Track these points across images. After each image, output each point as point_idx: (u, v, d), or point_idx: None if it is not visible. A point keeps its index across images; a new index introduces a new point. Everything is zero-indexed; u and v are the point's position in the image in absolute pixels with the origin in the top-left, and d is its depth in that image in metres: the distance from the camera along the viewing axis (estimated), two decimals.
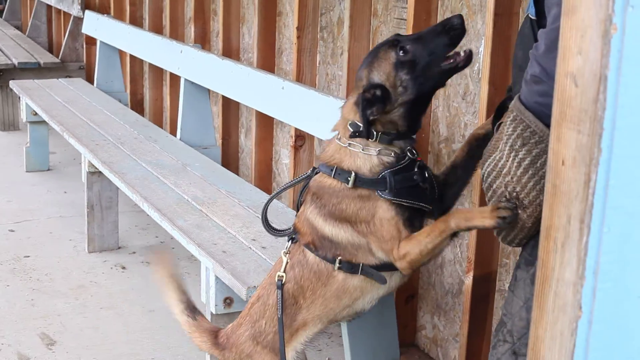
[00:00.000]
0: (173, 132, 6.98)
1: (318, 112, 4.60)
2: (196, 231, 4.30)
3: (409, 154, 2.92)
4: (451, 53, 2.85)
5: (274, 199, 3.25)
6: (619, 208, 1.59)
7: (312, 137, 5.38)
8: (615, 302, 1.63)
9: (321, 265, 2.99)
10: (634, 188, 1.60)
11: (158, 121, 7.94)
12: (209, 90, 6.34)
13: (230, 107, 6.57)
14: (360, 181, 2.86)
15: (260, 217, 3.23)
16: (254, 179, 6.07)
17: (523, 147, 2.54)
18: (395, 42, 2.84)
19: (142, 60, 8.34)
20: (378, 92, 2.80)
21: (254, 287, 3.60)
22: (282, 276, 3.03)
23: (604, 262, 1.61)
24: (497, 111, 2.82)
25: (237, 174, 6.17)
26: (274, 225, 3.21)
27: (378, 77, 2.83)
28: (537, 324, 1.75)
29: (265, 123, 5.96)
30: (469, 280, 3.95)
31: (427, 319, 4.56)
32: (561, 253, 1.67)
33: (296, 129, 5.29)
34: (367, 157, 2.87)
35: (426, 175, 2.94)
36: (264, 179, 6.08)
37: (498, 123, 2.75)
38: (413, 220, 2.92)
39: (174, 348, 4.73)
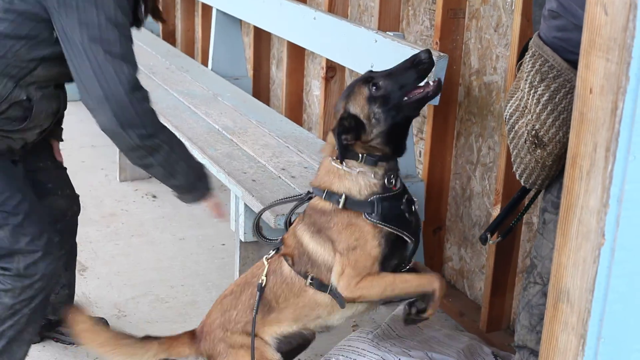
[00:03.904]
0: (205, 62, 6.98)
1: (349, 43, 4.59)
2: (226, 160, 4.33)
3: (394, 181, 3.06)
4: (422, 83, 3.04)
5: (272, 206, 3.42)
6: None
7: (343, 69, 5.37)
8: (639, 230, 1.64)
9: (295, 278, 3.12)
10: None
11: (190, 51, 7.95)
12: (240, 20, 6.33)
13: (261, 38, 6.55)
14: (350, 203, 3.02)
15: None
16: (284, 110, 6.07)
17: (542, 83, 2.53)
18: (368, 78, 3.03)
19: None
20: (352, 122, 2.99)
21: (283, 214, 3.64)
22: (264, 279, 3.14)
23: (628, 190, 1.61)
24: (521, 55, 2.81)
25: (268, 105, 6.18)
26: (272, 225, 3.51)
27: (353, 109, 3.01)
28: (560, 250, 1.76)
29: (297, 54, 5.95)
30: (496, 212, 3.95)
31: (454, 251, 4.58)
32: (586, 181, 1.67)
33: (327, 60, 5.28)
34: (354, 178, 3.03)
35: (413, 208, 3.13)
36: (295, 110, 6.08)
37: (519, 63, 2.74)
38: (390, 260, 3.07)
39: (203, 275, 4.79)
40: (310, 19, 5.00)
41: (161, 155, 3.14)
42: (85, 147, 6.64)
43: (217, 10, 6.31)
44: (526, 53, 2.67)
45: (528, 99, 2.59)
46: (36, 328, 3.53)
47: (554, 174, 2.71)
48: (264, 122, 4.98)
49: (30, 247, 3.31)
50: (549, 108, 2.54)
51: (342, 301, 3.06)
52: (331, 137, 3.08)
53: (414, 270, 3.21)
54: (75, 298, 4.09)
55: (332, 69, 5.37)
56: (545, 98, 2.54)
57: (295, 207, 3.25)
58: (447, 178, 4.52)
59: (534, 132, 2.59)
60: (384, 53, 4.25)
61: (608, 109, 1.62)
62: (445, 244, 4.65)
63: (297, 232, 3.13)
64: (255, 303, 3.12)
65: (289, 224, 3.26)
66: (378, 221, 2.98)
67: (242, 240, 3.97)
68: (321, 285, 3.07)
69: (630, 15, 1.57)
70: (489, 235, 3.14)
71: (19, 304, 3.36)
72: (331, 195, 3.04)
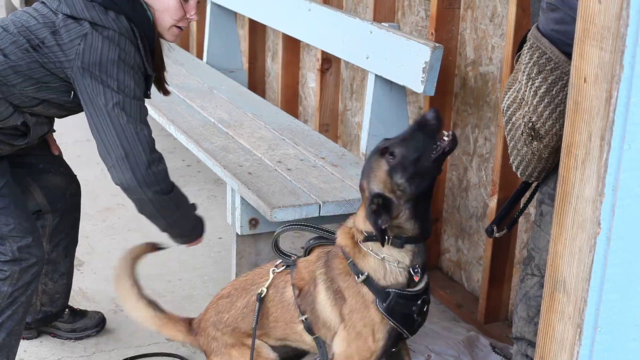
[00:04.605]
0: (200, 55, 6.97)
1: (345, 34, 4.58)
2: (222, 153, 4.32)
3: (418, 275, 3.01)
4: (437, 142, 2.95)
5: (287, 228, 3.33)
6: (639, 125, 1.59)
7: (338, 60, 5.36)
8: (634, 218, 1.64)
9: (292, 307, 3.13)
10: None
11: (185, 44, 7.94)
12: (235, 13, 6.31)
13: (256, 31, 6.54)
14: (369, 283, 2.99)
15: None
16: (280, 102, 6.06)
17: (539, 75, 2.52)
18: (383, 150, 2.94)
19: None
20: (381, 202, 2.90)
21: (280, 207, 3.63)
22: (264, 291, 3.16)
23: (623, 178, 1.61)
24: (520, 47, 2.80)
25: (264, 98, 6.17)
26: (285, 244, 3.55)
27: (376, 186, 2.93)
28: (556, 240, 1.76)
29: (292, 46, 5.93)
30: (493, 203, 3.95)
31: (451, 243, 4.58)
32: (581, 170, 1.67)
33: (323, 52, 5.27)
34: (380, 262, 2.98)
35: (425, 309, 3.08)
36: (290, 103, 6.07)
37: (517, 55, 2.74)
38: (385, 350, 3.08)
39: (200, 269, 4.78)
40: (305, 11, 4.99)
41: (167, 212, 3.40)
42: (80, 142, 6.62)
43: (212, 2, 6.29)
44: (524, 45, 2.66)
45: (525, 91, 2.58)
46: (25, 321, 3.57)
47: (550, 166, 2.70)
48: (259, 115, 4.97)
49: (19, 231, 3.41)
50: (545, 100, 2.53)
51: (324, 355, 3.10)
52: (358, 219, 3.03)
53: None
54: (72, 292, 4.09)
55: (328, 61, 5.36)
56: (542, 90, 2.53)
57: (318, 243, 3.20)
58: (444, 169, 4.51)
59: (530, 124, 2.59)
60: (380, 44, 4.25)
61: (602, 97, 1.61)
62: (443, 236, 4.64)
63: (316, 276, 3.10)
64: (256, 312, 3.14)
65: (308, 251, 3.23)
66: (385, 313, 2.96)
67: (239, 233, 3.96)
68: (310, 330, 3.09)
69: (624, 4, 1.56)
70: (495, 228, 3.13)
71: (17, 292, 3.43)
72: (354, 266, 3.01)
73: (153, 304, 3.40)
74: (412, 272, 2.98)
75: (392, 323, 2.97)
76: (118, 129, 3.21)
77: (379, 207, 2.89)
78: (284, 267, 3.19)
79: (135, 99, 3.25)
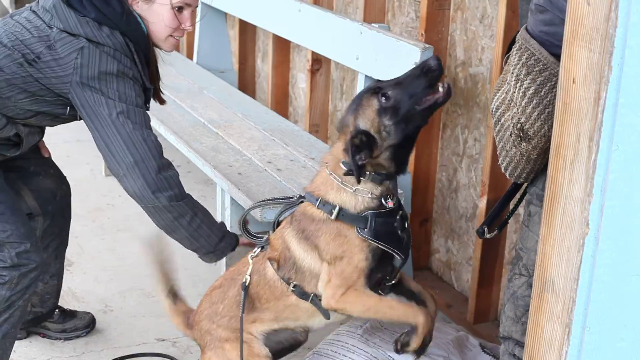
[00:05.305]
0: (190, 55, 6.96)
1: (335, 35, 4.58)
2: (212, 153, 4.32)
3: (390, 200, 3.01)
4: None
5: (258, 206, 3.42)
6: (628, 126, 1.60)
7: (328, 61, 5.36)
8: (623, 220, 1.64)
9: (277, 282, 3.12)
10: None
11: None
12: (225, 13, 6.31)
13: (247, 31, 6.54)
14: (343, 215, 2.98)
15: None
16: (270, 103, 6.06)
17: (528, 76, 2.53)
18: (377, 89, 2.93)
19: None
20: (364, 139, 2.89)
21: (270, 208, 3.63)
22: (247, 279, 3.15)
23: (612, 179, 1.62)
24: (509, 48, 2.81)
25: (254, 98, 6.17)
26: (254, 225, 3.53)
27: (363, 123, 2.92)
28: (544, 241, 1.77)
29: (282, 47, 5.93)
30: (483, 204, 3.96)
31: (441, 243, 4.59)
32: (570, 170, 1.68)
33: (313, 53, 5.27)
34: (352, 194, 2.98)
35: (405, 225, 3.08)
36: (281, 103, 6.07)
37: (506, 56, 2.75)
38: (375, 273, 3.04)
39: (190, 269, 4.77)
40: (295, 11, 4.99)
41: (186, 220, 3.28)
42: (70, 142, 6.61)
43: (202, 3, 6.29)
44: (513, 46, 2.67)
45: (514, 92, 2.59)
46: (21, 324, 3.57)
47: (539, 167, 2.71)
48: (249, 115, 4.97)
49: (17, 237, 3.39)
50: (534, 101, 2.54)
51: (325, 312, 3.09)
52: (336, 150, 3.03)
53: (403, 285, 3.23)
54: (61, 292, 4.09)
55: (318, 62, 5.36)
56: (531, 91, 2.54)
57: (285, 209, 3.21)
58: (434, 170, 4.52)
59: (519, 125, 2.59)
60: (370, 45, 4.25)
61: (591, 98, 1.62)
62: (432, 236, 4.65)
63: (285, 237, 3.10)
64: (241, 302, 3.13)
65: (276, 225, 3.23)
66: (369, 237, 2.94)
67: None
68: (303, 294, 3.08)
69: (612, 5, 1.57)
70: (486, 229, 3.13)
71: (15, 296, 3.42)
72: (325, 204, 2.99)
73: (171, 293, 3.43)
74: (384, 202, 2.99)
75: (379, 244, 2.96)
76: (125, 137, 3.18)
77: (362, 143, 2.89)
78: (259, 250, 3.19)
79: (138, 107, 3.23)
